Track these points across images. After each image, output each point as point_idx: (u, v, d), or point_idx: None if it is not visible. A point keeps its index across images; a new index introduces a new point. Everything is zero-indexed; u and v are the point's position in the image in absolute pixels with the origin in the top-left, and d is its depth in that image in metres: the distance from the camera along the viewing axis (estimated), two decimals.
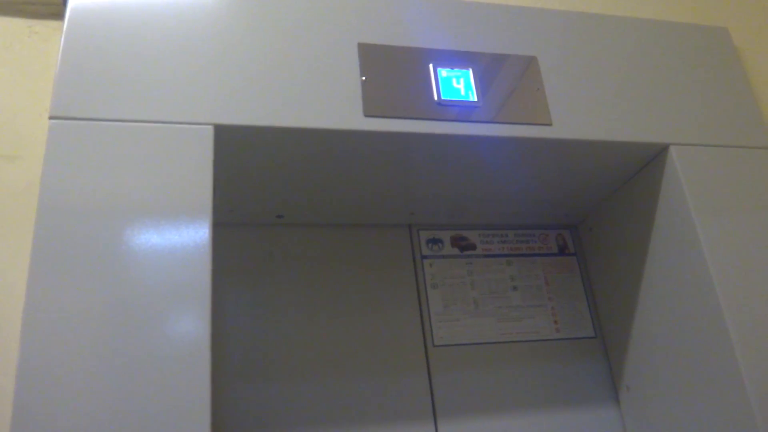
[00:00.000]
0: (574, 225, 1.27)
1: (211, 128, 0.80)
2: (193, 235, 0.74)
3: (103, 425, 0.65)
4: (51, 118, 0.76)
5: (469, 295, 1.15)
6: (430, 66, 0.92)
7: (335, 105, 0.85)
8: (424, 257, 1.16)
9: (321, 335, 1.05)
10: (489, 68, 0.95)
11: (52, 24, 0.95)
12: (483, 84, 0.93)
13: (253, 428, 0.97)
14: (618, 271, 1.13)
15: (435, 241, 1.18)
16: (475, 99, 0.92)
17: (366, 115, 0.86)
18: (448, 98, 0.91)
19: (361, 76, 0.88)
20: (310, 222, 1.11)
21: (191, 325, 0.70)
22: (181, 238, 0.74)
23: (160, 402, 0.67)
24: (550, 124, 0.93)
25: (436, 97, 0.90)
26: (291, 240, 1.10)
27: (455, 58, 0.94)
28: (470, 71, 0.94)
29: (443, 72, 0.92)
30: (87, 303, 0.69)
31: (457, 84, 0.92)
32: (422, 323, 1.11)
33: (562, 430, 1.10)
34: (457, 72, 0.93)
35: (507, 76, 0.95)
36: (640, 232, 1.05)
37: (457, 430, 1.05)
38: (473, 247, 1.20)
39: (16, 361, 0.66)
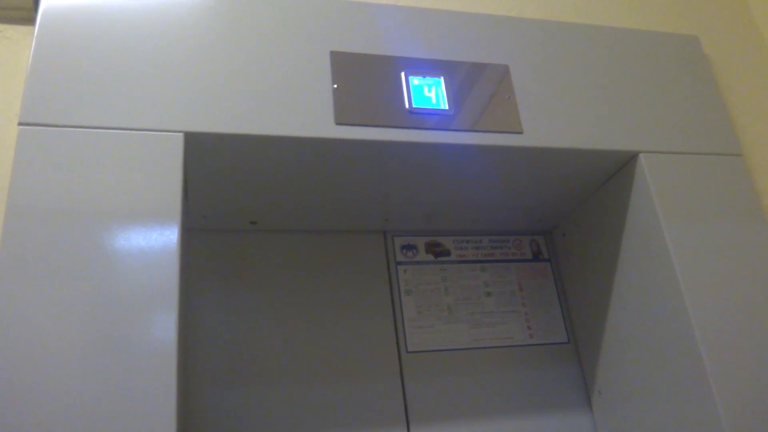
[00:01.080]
0: (547, 231, 1.29)
1: (181, 135, 0.80)
2: (162, 240, 0.74)
3: (70, 428, 0.64)
4: (20, 124, 0.76)
5: (443, 301, 1.16)
6: (402, 74, 0.93)
7: (306, 113, 0.86)
8: (398, 263, 1.16)
9: (294, 341, 1.05)
10: (461, 76, 0.96)
11: (23, 29, 0.94)
12: (455, 92, 0.94)
13: None
14: (590, 277, 1.14)
15: (409, 247, 1.19)
16: (447, 107, 0.93)
17: (337, 123, 0.86)
18: (420, 106, 0.91)
19: (333, 84, 0.88)
20: (284, 228, 1.11)
21: (158, 330, 0.70)
22: (150, 243, 0.74)
23: (126, 406, 0.66)
24: (521, 132, 0.94)
25: (407, 105, 0.91)
26: (264, 246, 1.10)
27: (427, 66, 0.95)
28: (442, 79, 0.94)
29: (415, 80, 0.93)
30: (54, 307, 0.68)
31: (429, 92, 0.93)
32: (396, 329, 1.11)
33: None
34: (428, 80, 0.93)
35: (479, 84, 0.96)
36: (611, 238, 1.07)
37: None
38: (447, 253, 1.21)
39: None
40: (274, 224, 1.09)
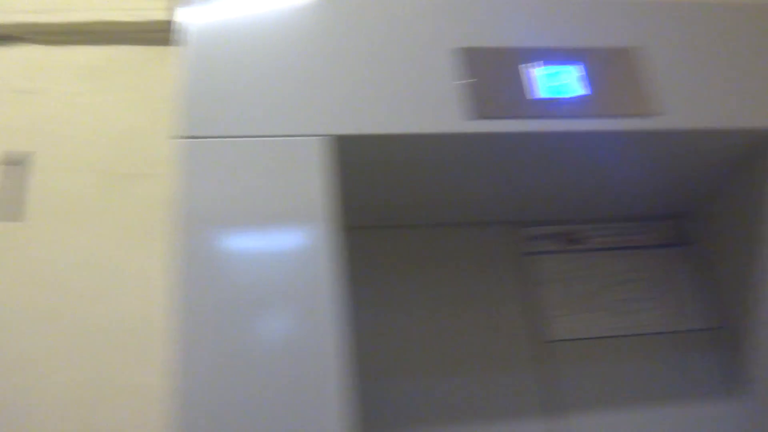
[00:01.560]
0: (686, 214, 1.24)
1: (324, 139, 0.83)
2: (319, 241, 0.77)
3: (246, 421, 0.69)
4: (175, 137, 0.82)
5: (578, 290, 1.14)
6: (531, 64, 0.92)
7: (442, 109, 0.87)
8: (530, 254, 1.16)
9: (427, 335, 1.07)
10: (593, 62, 0.94)
11: (164, 49, 1.01)
12: (588, 79, 0.93)
13: (365, 426, 1.00)
14: (736, 260, 1.09)
15: (541, 237, 1.18)
16: (580, 94, 0.91)
17: (469, 118, 0.87)
18: (552, 95, 0.91)
19: (463, 79, 0.89)
20: (413, 223, 1.13)
21: (324, 329, 0.73)
22: (306, 244, 0.77)
23: (305, 403, 0.70)
24: (658, 115, 0.92)
25: (539, 95, 0.90)
26: (395, 241, 1.13)
27: (558, 55, 0.94)
28: (575, 66, 0.93)
29: (545, 69, 0.92)
30: (223, 305, 0.73)
31: (561, 80, 0.92)
32: (532, 320, 1.11)
33: (681, 425, 1.08)
34: (560, 68, 0.93)
35: (612, 69, 0.94)
36: (756, 218, 1.02)
37: (571, 426, 1.05)
38: (581, 241, 1.19)
39: (160, 360, 0.72)
40: (405, 220, 1.12)
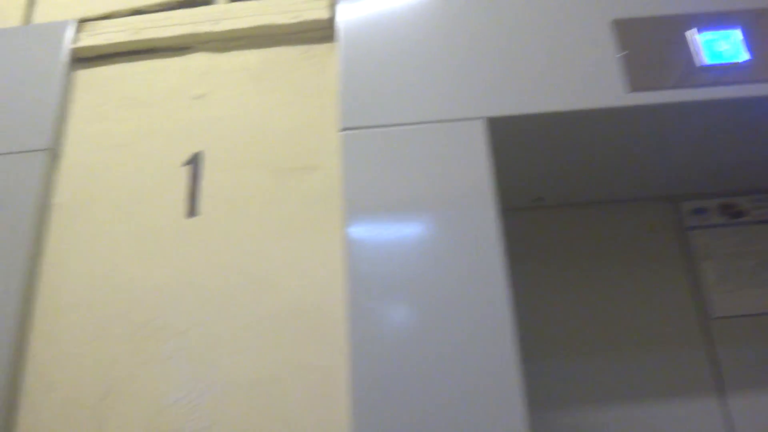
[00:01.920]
0: None
1: (482, 121, 0.85)
2: (481, 222, 0.80)
3: (420, 397, 0.72)
4: (342, 129, 0.86)
5: (744, 264, 1.10)
6: (692, 31, 0.90)
7: (597, 84, 0.87)
8: (691, 228, 1.12)
9: (589, 314, 1.07)
10: (756, 25, 0.90)
11: (323, 47, 1.06)
12: (751, 42, 0.89)
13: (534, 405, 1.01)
14: None
15: (701, 210, 1.14)
16: (744, 59, 0.88)
17: (629, 91, 0.86)
18: (714, 62, 0.88)
19: (620, 52, 0.88)
20: (570, 202, 1.13)
21: (494, 309, 0.76)
22: (469, 227, 0.80)
23: (476, 381, 0.73)
24: None
25: (700, 63, 0.88)
26: (551, 221, 1.13)
27: (718, 19, 0.90)
28: (735, 31, 0.90)
29: (706, 35, 0.89)
30: (391, 288, 0.77)
31: (722, 46, 0.89)
32: (696, 296, 1.08)
33: None
34: (721, 33, 0.89)
35: None
36: None
37: (745, 404, 1.01)
38: (743, 213, 1.14)
39: (334, 341, 0.77)
40: (561, 199, 1.11)
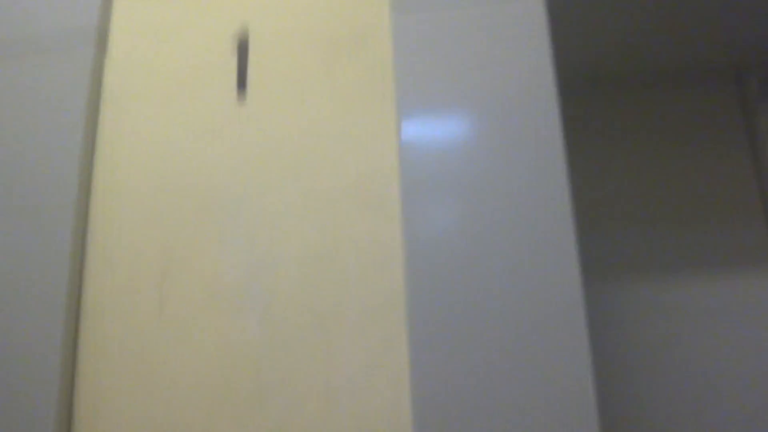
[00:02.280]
0: None
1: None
2: (543, 103, 0.77)
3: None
4: (393, 11, 0.83)
5: None
6: None
7: None
8: (756, 101, 1.07)
9: (654, 188, 1.05)
10: None
11: None
12: None
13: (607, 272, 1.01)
14: None
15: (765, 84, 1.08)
16: None
17: None
18: None
19: None
20: (630, 83, 1.08)
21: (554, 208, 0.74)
22: (528, 110, 0.77)
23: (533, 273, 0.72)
24: None
25: None
26: (612, 102, 1.09)
27: None
28: None
29: None
30: (452, 180, 0.75)
31: None
32: (760, 171, 1.04)
33: None
34: None
35: None
36: None
37: None
38: None
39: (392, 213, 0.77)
40: (623, 76, 1.07)
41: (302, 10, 0.94)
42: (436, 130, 0.78)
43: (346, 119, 0.88)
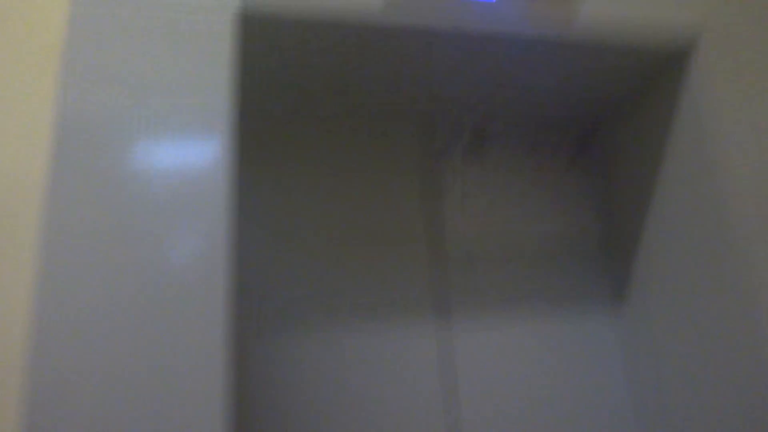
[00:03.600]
0: (593, 129, 1.25)
1: (233, 13, 0.79)
2: (213, 123, 0.73)
3: (111, 352, 0.64)
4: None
5: (485, 193, 1.16)
6: None
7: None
8: (442, 152, 1.16)
9: (330, 218, 1.07)
10: None
11: None
12: None
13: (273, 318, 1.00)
14: (634, 179, 1.11)
15: (453, 136, 1.17)
16: None
17: (385, 11, 0.84)
18: None
19: None
20: (326, 115, 1.11)
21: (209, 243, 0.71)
22: (202, 121, 0.74)
23: (175, 320, 0.67)
24: (574, 19, 0.91)
25: None
26: (307, 133, 1.11)
27: None
28: None
29: None
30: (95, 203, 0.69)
31: None
32: (435, 221, 1.12)
33: (559, 337, 1.12)
34: None
35: None
36: (660, 135, 1.03)
37: (465, 327, 1.07)
38: (492, 144, 1.19)
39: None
40: (317, 112, 1.09)
41: None
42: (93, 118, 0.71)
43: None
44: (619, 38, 0.93)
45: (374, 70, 0.96)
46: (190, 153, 0.72)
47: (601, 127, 1.24)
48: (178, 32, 0.77)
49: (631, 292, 1.12)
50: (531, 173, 1.20)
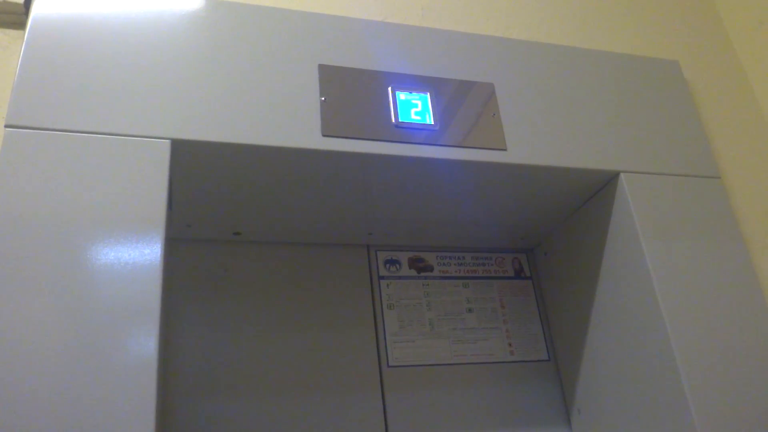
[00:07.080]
0: (529, 249, 1.30)
1: (168, 143, 0.80)
2: (146, 249, 0.74)
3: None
4: (7, 126, 0.76)
5: (425, 316, 1.16)
6: (389, 89, 0.94)
7: (294, 124, 0.86)
8: (381, 278, 1.17)
9: (276, 354, 1.05)
10: (447, 93, 0.97)
11: (14, 33, 0.94)
12: (440, 108, 0.95)
13: None
14: (570, 295, 1.15)
15: (392, 261, 1.19)
16: (433, 122, 0.94)
17: (324, 135, 0.87)
18: (406, 121, 0.92)
19: (321, 96, 0.89)
20: (268, 240, 1.11)
21: (139, 342, 0.69)
22: (133, 252, 0.73)
23: (106, 418, 0.66)
24: (504, 149, 0.95)
25: (394, 120, 0.92)
26: (248, 257, 1.10)
27: (414, 82, 0.96)
28: (428, 95, 0.96)
29: (402, 95, 0.94)
30: (36, 316, 0.68)
31: (415, 107, 0.94)
32: (377, 343, 1.11)
33: None
34: (415, 96, 0.95)
35: (464, 101, 0.97)
36: (592, 256, 1.08)
37: None
38: (430, 268, 1.21)
39: None
40: (258, 235, 1.09)
41: None
42: (23, 257, 0.70)
43: None
44: (549, 171, 0.98)
45: (310, 194, 0.98)
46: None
47: (539, 248, 1.28)
48: (117, 158, 0.77)
49: (581, 405, 1.13)
50: (472, 293, 1.21)
